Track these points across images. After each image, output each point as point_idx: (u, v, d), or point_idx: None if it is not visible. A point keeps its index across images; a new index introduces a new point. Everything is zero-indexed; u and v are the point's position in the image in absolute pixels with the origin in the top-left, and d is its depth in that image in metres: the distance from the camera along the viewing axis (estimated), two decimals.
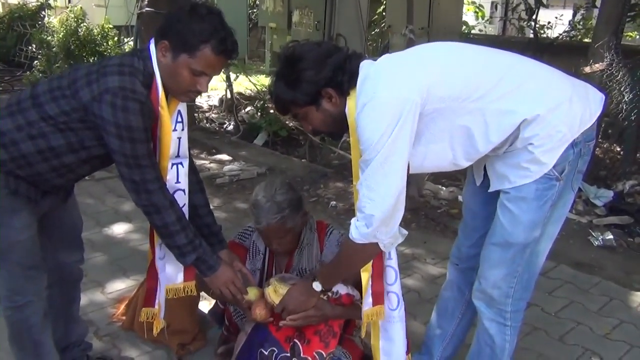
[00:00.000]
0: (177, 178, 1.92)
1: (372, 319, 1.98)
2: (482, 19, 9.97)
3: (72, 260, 2.16)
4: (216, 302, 2.46)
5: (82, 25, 7.84)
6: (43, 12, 9.73)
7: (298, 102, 1.75)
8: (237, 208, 4.28)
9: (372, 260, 1.92)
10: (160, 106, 1.78)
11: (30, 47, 9.24)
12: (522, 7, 7.75)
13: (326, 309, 2.02)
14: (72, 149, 1.79)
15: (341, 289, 2.06)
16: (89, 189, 4.26)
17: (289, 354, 2.03)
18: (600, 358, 2.55)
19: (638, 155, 4.98)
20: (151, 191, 1.79)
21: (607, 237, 3.68)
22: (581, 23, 8.90)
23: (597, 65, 4.68)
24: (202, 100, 7.53)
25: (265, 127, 6.04)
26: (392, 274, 1.94)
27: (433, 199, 4.42)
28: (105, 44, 7.86)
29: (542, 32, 8.24)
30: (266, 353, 2.06)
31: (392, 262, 1.93)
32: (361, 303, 1.97)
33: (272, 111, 6.18)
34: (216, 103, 7.45)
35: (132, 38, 6.63)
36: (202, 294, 2.55)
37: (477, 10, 9.65)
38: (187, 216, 1.94)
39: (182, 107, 1.90)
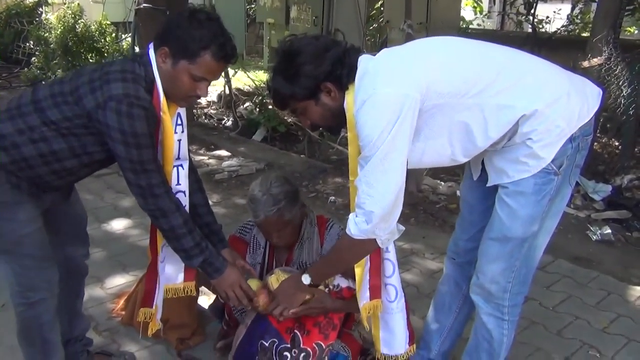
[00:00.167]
0: (177, 180, 1.94)
1: (371, 313, 2.00)
2: (480, 13, 9.95)
3: (78, 255, 2.17)
4: (216, 297, 2.47)
5: (79, 21, 7.82)
6: (40, 9, 9.70)
7: (297, 97, 1.75)
8: (236, 204, 4.28)
9: (369, 255, 1.93)
10: (162, 111, 1.79)
11: (27, 44, 9.22)
12: (520, 1, 7.75)
13: (327, 301, 2.03)
14: (74, 153, 1.81)
15: (342, 282, 2.07)
16: (88, 185, 4.25)
17: (289, 345, 2.04)
18: (598, 352, 2.56)
19: (636, 149, 5.00)
20: (157, 195, 1.80)
21: (605, 232, 3.69)
22: (579, 17, 8.89)
23: (595, 59, 4.68)
24: None
25: (263, 123, 6.04)
26: (390, 266, 1.95)
27: (432, 194, 4.43)
28: (103, 40, 7.84)
29: (540, 26, 8.23)
30: (267, 344, 2.07)
31: (390, 255, 1.94)
32: (357, 296, 1.97)
33: (270, 107, 6.18)
34: (215, 99, 7.45)
35: (130, 34, 6.61)
36: (202, 288, 2.57)
37: (475, 4, 9.63)
38: None
39: (182, 109, 1.91)
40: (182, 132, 1.92)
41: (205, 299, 2.73)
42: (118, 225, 3.80)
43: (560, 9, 9.37)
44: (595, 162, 4.62)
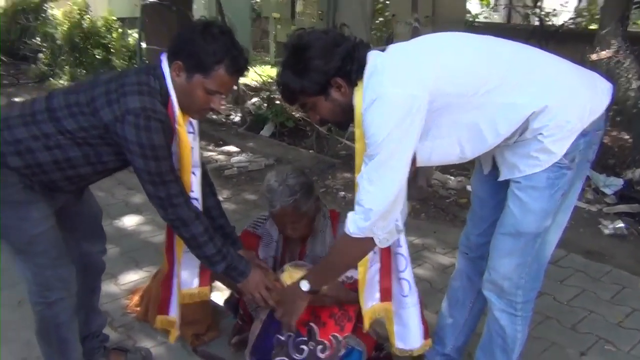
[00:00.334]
0: (191, 187, 1.95)
1: (381, 315, 2.02)
2: (487, 6, 9.90)
3: (95, 251, 2.18)
4: (231, 292, 2.48)
5: (85, 17, 7.82)
6: (46, 5, 9.70)
7: (307, 92, 1.74)
8: (246, 199, 4.29)
9: (380, 255, 1.93)
10: (178, 124, 1.81)
11: (34, 40, 9.22)
12: None
13: (340, 292, 2.03)
14: (88, 161, 1.82)
15: (355, 273, 2.07)
16: (99, 182, 4.24)
17: (305, 338, 2.05)
18: (614, 346, 2.56)
19: None
20: (177, 205, 1.82)
21: (618, 226, 3.68)
22: (586, 9, 8.84)
23: (603, 52, 4.65)
24: None
25: (271, 118, 6.03)
26: (402, 261, 1.96)
27: (442, 188, 4.42)
28: (109, 36, 7.85)
29: (547, 19, 8.18)
30: (283, 338, 2.09)
31: (402, 250, 1.95)
32: (359, 296, 1.97)
33: (278, 102, 6.17)
34: None
35: (137, 30, 6.61)
36: (215, 283, 2.57)
37: None
38: None
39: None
40: (194, 139, 1.94)
41: (219, 295, 2.73)
42: (130, 221, 3.81)
43: (567, 2, 9.30)
44: (606, 155, 4.59)
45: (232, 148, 5.55)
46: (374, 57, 1.72)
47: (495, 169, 1.87)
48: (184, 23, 5.60)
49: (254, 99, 6.82)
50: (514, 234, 1.82)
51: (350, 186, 4.46)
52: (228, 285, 2.43)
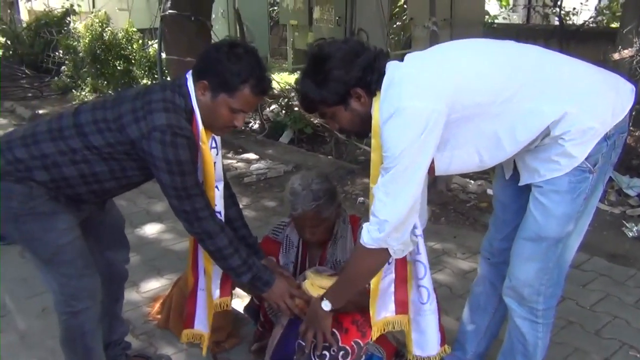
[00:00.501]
0: (214, 201, 1.98)
1: (393, 327, 2.02)
2: (506, 7, 9.82)
3: (118, 259, 2.23)
4: (252, 298, 2.49)
5: (106, 29, 7.95)
6: (68, 18, 9.89)
7: (326, 102, 1.76)
8: (265, 206, 4.31)
9: (395, 265, 1.93)
10: (202, 141, 1.85)
11: (57, 53, 9.41)
12: None
13: (362, 298, 2.03)
14: (114, 176, 1.87)
15: None
16: None
17: (327, 344, 2.05)
18: (639, 352, 2.51)
19: None
20: (202, 218, 1.86)
21: None
22: (607, 8, 8.70)
23: (626, 51, 4.57)
24: None
25: (290, 125, 6.05)
26: (421, 268, 1.95)
27: (461, 192, 4.39)
28: (130, 47, 7.96)
29: (567, 18, 8.08)
30: (304, 344, 2.09)
31: (422, 257, 1.95)
32: (369, 309, 1.97)
33: (296, 109, 6.19)
34: None
35: (156, 41, 6.69)
36: (235, 291, 2.59)
37: None
38: None
39: None
40: (217, 154, 1.98)
41: (239, 302, 2.75)
42: (151, 229, 3.86)
43: (587, 0, 9.18)
44: (629, 156, 4.51)
45: (251, 155, 5.58)
46: (392, 69, 1.73)
47: (516, 173, 1.86)
48: (203, 33, 5.67)
49: (273, 106, 6.85)
50: (535, 238, 1.80)
51: (370, 192, 4.44)
52: (248, 291, 2.44)
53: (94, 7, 9.94)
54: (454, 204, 4.18)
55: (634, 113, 4.65)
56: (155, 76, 7.25)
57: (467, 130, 1.70)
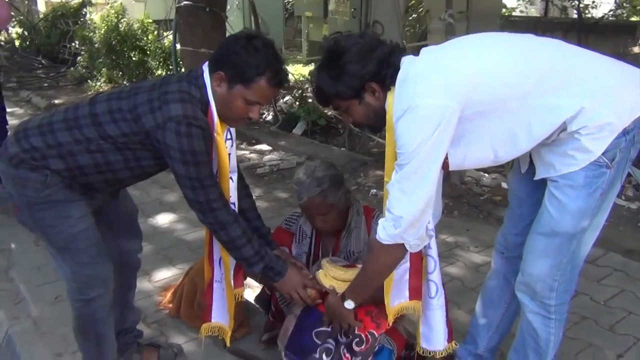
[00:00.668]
0: (229, 192, 1.99)
1: (406, 312, 2.02)
2: (523, 0, 9.69)
3: (131, 248, 2.24)
4: (263, 288, 2.50)
5: (122, 20, 7.98)
6: (85, 9, 9.96)
7: (341, 96, 1.75)
8: (278, 197, 4.31)
9: (410, 254, 1.92)
10: (216, 132, 1.86)
11: (73, 44, 9.48)
12: None
13: (378, 290, 2.03)
14: (127, 165, 1.87)
15: None
16: None
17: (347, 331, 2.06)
18: None
19: None
20: (216, 209, 1.86)
21: None
22: (628, 1, 8.56)
23: None
24: None
25: (303, 117, 6.04)
26: (431, 263, 1.96)
27: (475, 186, 4.36)
28: (145, 38, 7.99)
29: (586, 11, 7.96)
30: (324, 328, 2.09)
31: (432, 252, 1.95)
32: (385, 296, 1.98)
33: (310, 100, 6.18)
34: None
35: (171, 32, 6.71)
36: (246, 281, 2.59)
37: None
38: None
39: None
40: (232, 146, 1.99)
41: (250, 291, 2.75)
42: (164, 219, 3.88)
43: None
44: None
45: (264, 146, 5.59)
46: (407, 64, 1.72)
47: (532, 167, 1.83)
48: (218, 25, 5.66)
49: (286, 98, 6.85)
50: (549, 233, 1.78)
51: (383, 184, 4.43)
52: (260, 281, 2.45)
53: None
54: (467, 197, 4.15)
55: None
56: (170, 67, 7.27)
57: (482, 125, 1.68)
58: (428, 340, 2.05)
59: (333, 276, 2.09)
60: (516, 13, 9.37)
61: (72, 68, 9.18)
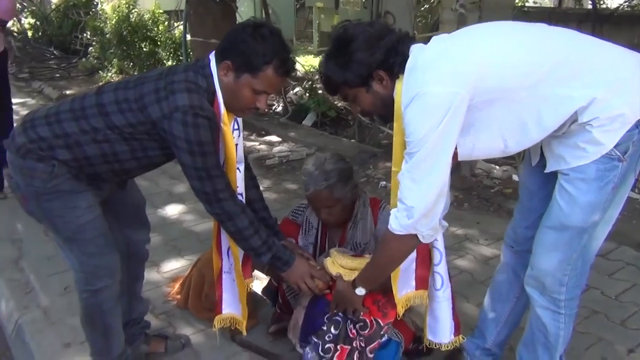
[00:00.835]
0: (236, 183, 1.98)
1: (414, 302, 2.02)
2: None
3: (138, 239, 2.24)
4: (270, 280, 2.49)
5: (133, 11, 8.00)
6: (96, 0, 9.99)
7: (349, 83, 1.74)
8: (287, 189, 4.30)
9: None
10: (223, 122, 1.84)
11: (85, 35, 9.52)
12: None
13: (385, 280, 2.02)
14: (134, 156, 1.87)
15: None
16: None
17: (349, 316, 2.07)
18: None
19: None
20: (222, 199, 1.86)
21: None
22: None
23: None
24: None
25: (313, 108, 6.03)
26: (437, 255, 1.95)
27: (486, 178, 4.32)
28: (155, 29, 8.00)
29: (601, 2, 7.85)
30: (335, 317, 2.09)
31: (438, 244, 1.94)
32: (392, 285, 1.98)
33: (320, 92, 6.16)
34: None
35: (182, 22, 6.70)
36: (255, 273, 2.59)
37: None
38: None
39: None
40: (239, 136, 1.97)
41: (258, 283, 2.75)
42: (173, 210, 3.89)
43: None
44: None
45: (274, 138, 5.58)
46: (416, 52, 1.70)
47: (544, 159, 1.80)
48: (229, 15, 5.65)
49: (297, 89, 6.83)
50: (559, 227, 1.75)
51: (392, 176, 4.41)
52: (267, 273, 2.44)
53: None
54: (477, 190, 4.12)
55: None
56: (181, 58, 7.28)
57: (492, 114, 1.66)
58: (434, 332, 2.05)
59: (341, 264, 2.09)
60: (529, 4, 9.26)
61: (83, 59, 9.22)
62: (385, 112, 1.79)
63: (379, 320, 2.06)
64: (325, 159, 2.16)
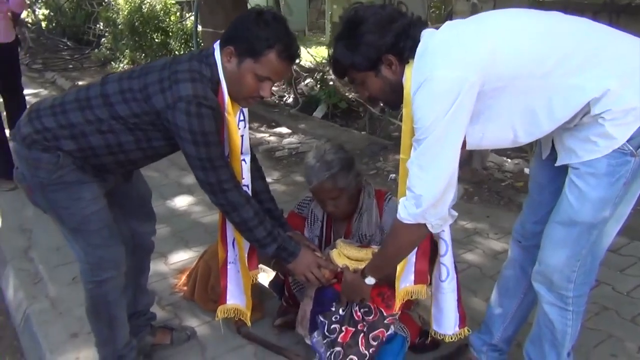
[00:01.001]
0: (241, 174, 1.97)
1: (412, 296, 2.02)
2: None
3: (144, 231, 2.24)
4: (276, 273, 2.48)
5: (145, 2, 8.00)
6: None
7: (357, 66, 1.70)
8: (296, 181, 4.29)
9: None
10: (227, 112, 1.83)
11: (97, 25, 9.55)
12: None
13: (390, 272, 2.01)
14: (139, 146, 1.86)
15: None
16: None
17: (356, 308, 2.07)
18: None
19: None
20: (227, 190, 1.85)
21: None
22: None
23: None
24: None
25: (324, 100, 6.00)
26: (443, 245, 1.94)
27: (497, 171, 4.27)
28: (167, 20, 8.00)
29: None
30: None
31: (445, 235, 1.92)
32: (396, 277, 1.98)
33: (331, 83, 6.12)
34: None
35: (193, 13, 6.70)
36: (261, 265, 2.59)
37: None
38: None
39: None
40: (245, 127, 1.96)
41: (265, 276, 2.75)
42: (181, 202, 3.90)
43: None
44: None
45: (284, 129, 5.56)
46: (427, 37, 1.67)
47: (554, 153, 1.77)
48: (240, 6, 5.63)
49: (307, 80, 6.80)
50: (568, 223, 1.71)
51: None
52: (273, 267, 2.44)
53: None
54: (488, 183, 4.07)
55: None
56: (192, 49, 7.28)
57: (502, 102, 1.62)
58: (439, 323, 2.05)
59: (347, 255, 2.09)
60: None
61: (96, 50, 9.26)
62: (394, 98, 1.76)
63: (382, 311, 2.06)
64: (325, 150, 2.14)
